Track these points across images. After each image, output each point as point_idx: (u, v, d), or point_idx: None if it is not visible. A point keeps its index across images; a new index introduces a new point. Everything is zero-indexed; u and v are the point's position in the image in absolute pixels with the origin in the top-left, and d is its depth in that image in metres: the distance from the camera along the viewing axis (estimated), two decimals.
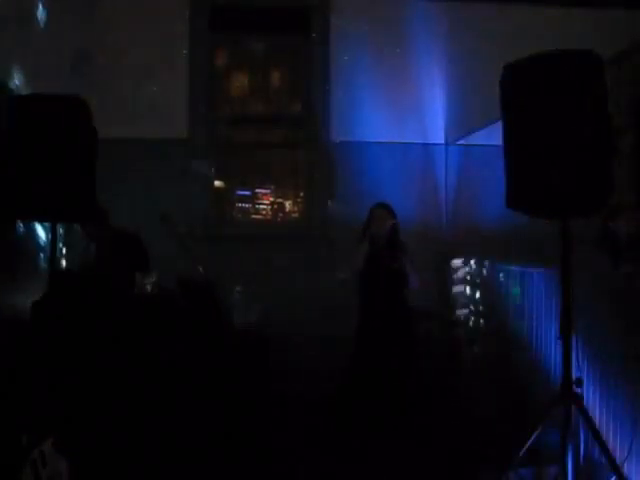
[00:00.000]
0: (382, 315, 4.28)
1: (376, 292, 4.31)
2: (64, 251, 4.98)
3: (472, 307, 5.18)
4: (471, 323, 5.18)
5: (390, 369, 4.18)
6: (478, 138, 5.59)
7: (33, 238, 4.49)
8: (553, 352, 3.62)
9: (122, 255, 4.15)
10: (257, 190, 6.23)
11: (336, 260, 5.31)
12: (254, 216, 6.22)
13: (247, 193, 6.23)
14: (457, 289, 5.50)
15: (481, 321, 5.01)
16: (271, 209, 6.23)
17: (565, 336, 2.68)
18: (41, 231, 4.63)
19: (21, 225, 4.34)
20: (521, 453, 2.72)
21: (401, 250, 4.30)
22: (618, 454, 2.89)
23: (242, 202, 6.23)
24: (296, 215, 6.26)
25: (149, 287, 4.15)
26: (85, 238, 4.50)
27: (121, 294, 3.85)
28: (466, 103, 5.83)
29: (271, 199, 6.23)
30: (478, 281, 5.13)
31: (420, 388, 4.28)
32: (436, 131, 6.07)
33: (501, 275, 4.72)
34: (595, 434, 2.66)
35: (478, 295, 5.11)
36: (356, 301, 4.51)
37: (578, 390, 2.68)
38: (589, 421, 2.67)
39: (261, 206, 6.22)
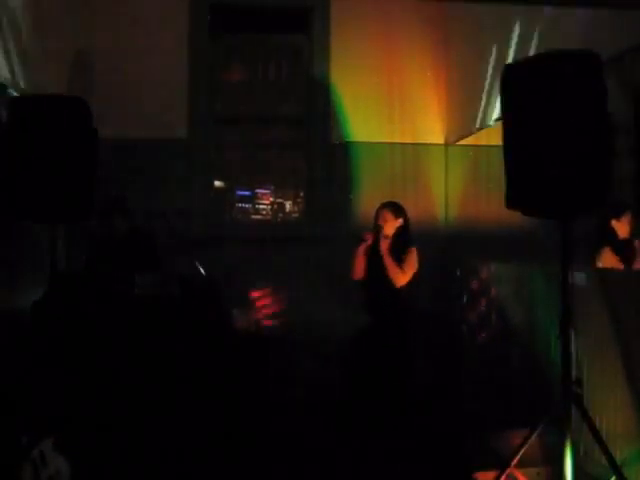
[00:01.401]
0: (384, 314, 4.27)
1: (379, 291, 4.29)
2: (64, 251, 4.97)
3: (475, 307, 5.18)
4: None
5: (390, 369, 4.17)
6: (478, 138, 5.60)
7: (33, 238, 4.49)
8: (553, 352, 3.61)
9: (137, 251, 4.20)
10: (257, 190, 6.23)
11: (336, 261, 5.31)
12: (254, 216, 6.22)
13: (247, 193, 6.23)
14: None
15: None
16: (271, 209, 6.23)
17: (565, 336, 2.68)
18: (41, 231, 4.63)
19: (21, 225, 4.35)
20: (521, 453, 2.72)
21: (407, 248, 4.22)
22: (618, 454, 2.89)
23: (242, 202, 6.23)
24: (296, 215, 6.26)
25: (149, 287, 4.15)
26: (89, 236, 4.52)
27: (123, 294, 3.85)
28: (466, 103, 5.83)
29: (271, 199, 6.23)
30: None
31: (420, 388, 4.28)
32: (436, 131, 6.08)
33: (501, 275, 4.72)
34: (595, 434, 2.66)
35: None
36: (357, 301, 4.50)
37: (578, 390, 2.68)
38: (589, 421, 2.66)
39: (261, 206, 6.22)
